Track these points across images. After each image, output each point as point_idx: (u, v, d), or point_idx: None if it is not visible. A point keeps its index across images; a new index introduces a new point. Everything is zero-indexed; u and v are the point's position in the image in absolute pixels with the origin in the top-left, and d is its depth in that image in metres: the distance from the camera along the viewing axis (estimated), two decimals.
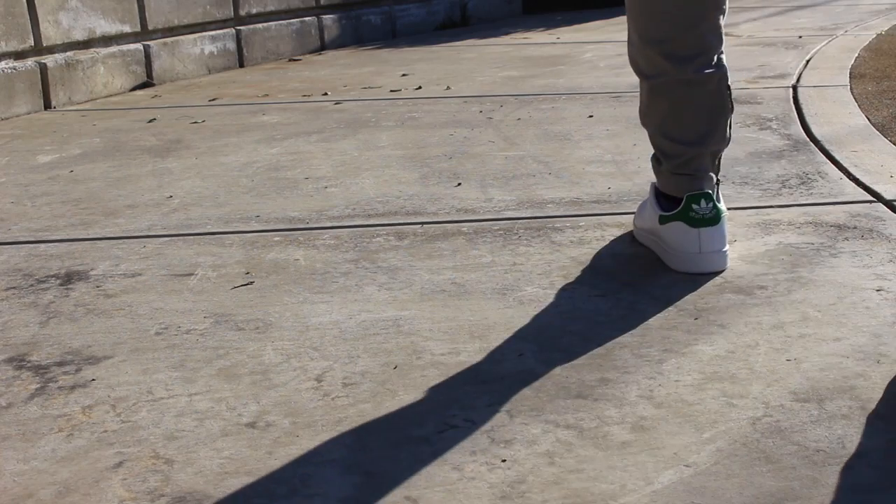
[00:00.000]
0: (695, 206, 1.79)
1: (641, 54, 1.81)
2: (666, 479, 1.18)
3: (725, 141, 1.85)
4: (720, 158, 1.90)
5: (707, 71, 1.77)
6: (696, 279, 1.80)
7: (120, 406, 1.42)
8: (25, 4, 3.81)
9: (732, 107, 1.84)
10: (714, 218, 1.79)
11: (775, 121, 3.06)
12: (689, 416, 1.32)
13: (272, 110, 3.67)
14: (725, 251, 1.82)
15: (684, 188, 1.81)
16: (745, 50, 4.60)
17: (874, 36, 4.98)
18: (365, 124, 3.32)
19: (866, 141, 2.75)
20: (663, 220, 1.83)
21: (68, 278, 1.96)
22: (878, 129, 2.89)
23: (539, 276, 1.86)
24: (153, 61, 4.43)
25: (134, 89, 4.33)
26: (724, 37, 1.81)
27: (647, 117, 1.87)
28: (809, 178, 2.42)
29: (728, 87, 1.82)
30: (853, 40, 4.85)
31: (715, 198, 1.81)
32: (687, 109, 1.80)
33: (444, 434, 1.31)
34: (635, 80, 1.93)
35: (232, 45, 4.88)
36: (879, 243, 1.95)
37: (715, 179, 1.85)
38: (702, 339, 1.56)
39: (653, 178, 1.96)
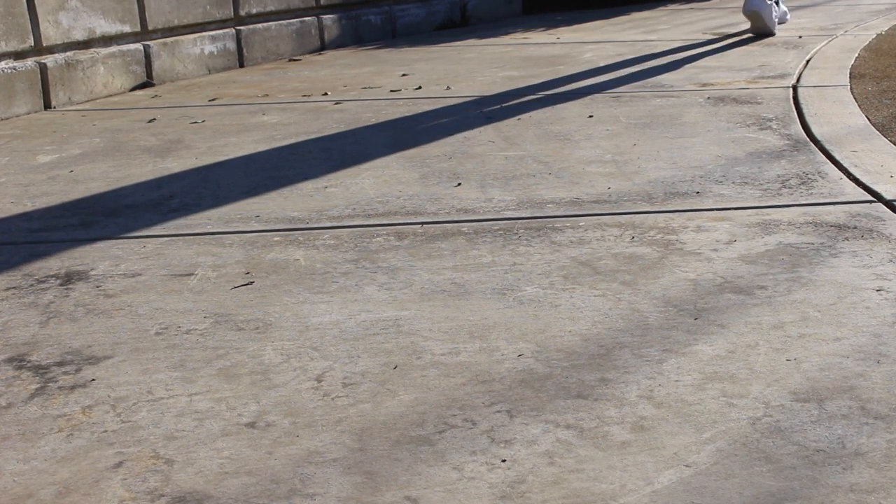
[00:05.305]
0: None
1: None
2: (666, 479, 1.18)
3: None
4: None
5: None
6: (696, 280, 1.80)
7: (120, 406, 1.42)
8: (25, 4, 3.81)
9: None
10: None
11: (775, 121, 3.06)
12: (689, 416, 1.32)
13: (272, 110, 3.67)
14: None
15: None
16: (745, 50, 4.60)
17: (874, 36, 4.98)
18: (365, 124, 3.32)
19: (866, 141, 2.75)
20: None
21: (68, 278, 1.96)
22: (878, 129, 2.89)
23: (539, 276, 1.86)
24: (153, 61, 4.43)
25: (134, 89, 4.33)
26: None
27: None
28: (809, 178, 2.42)
29: None
30: (853, 40, 4.85)
31: None
32: None
33: (444, 434, 1.31)
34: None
35: (232, 45, 4.88)
36: (879, 243, 1.95)
37: None
38: (702, 339, 1.56)
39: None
